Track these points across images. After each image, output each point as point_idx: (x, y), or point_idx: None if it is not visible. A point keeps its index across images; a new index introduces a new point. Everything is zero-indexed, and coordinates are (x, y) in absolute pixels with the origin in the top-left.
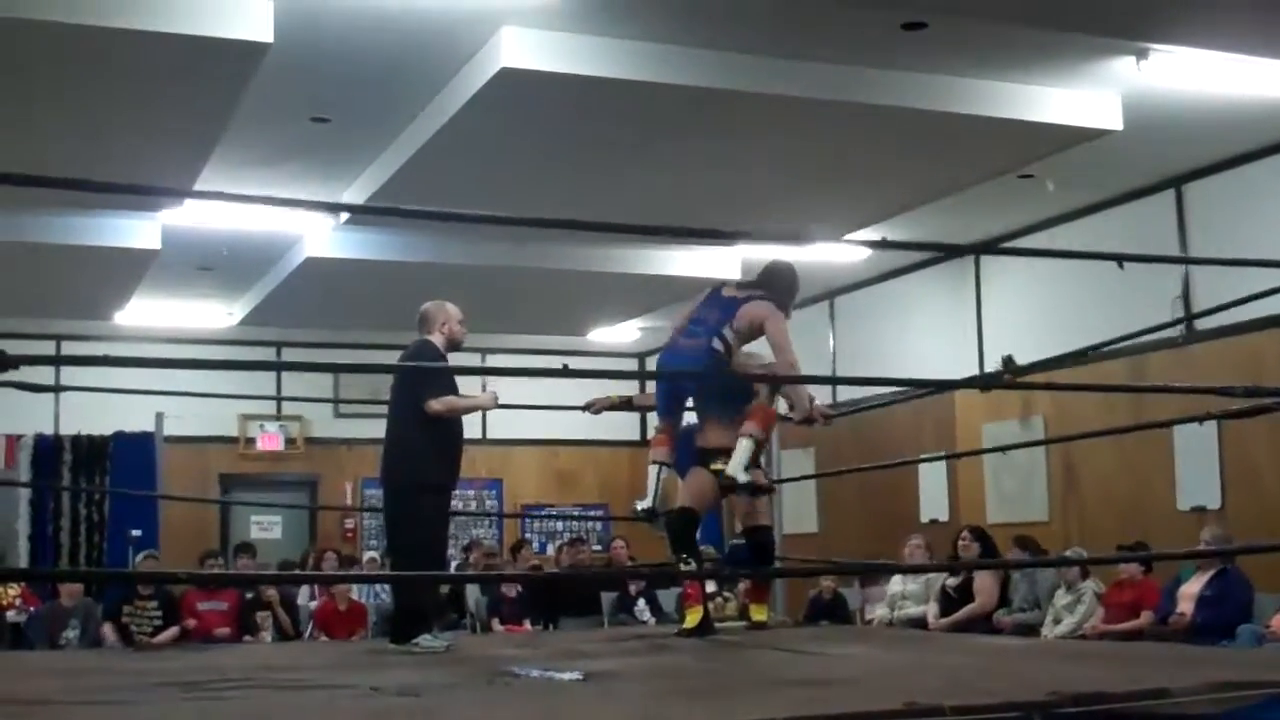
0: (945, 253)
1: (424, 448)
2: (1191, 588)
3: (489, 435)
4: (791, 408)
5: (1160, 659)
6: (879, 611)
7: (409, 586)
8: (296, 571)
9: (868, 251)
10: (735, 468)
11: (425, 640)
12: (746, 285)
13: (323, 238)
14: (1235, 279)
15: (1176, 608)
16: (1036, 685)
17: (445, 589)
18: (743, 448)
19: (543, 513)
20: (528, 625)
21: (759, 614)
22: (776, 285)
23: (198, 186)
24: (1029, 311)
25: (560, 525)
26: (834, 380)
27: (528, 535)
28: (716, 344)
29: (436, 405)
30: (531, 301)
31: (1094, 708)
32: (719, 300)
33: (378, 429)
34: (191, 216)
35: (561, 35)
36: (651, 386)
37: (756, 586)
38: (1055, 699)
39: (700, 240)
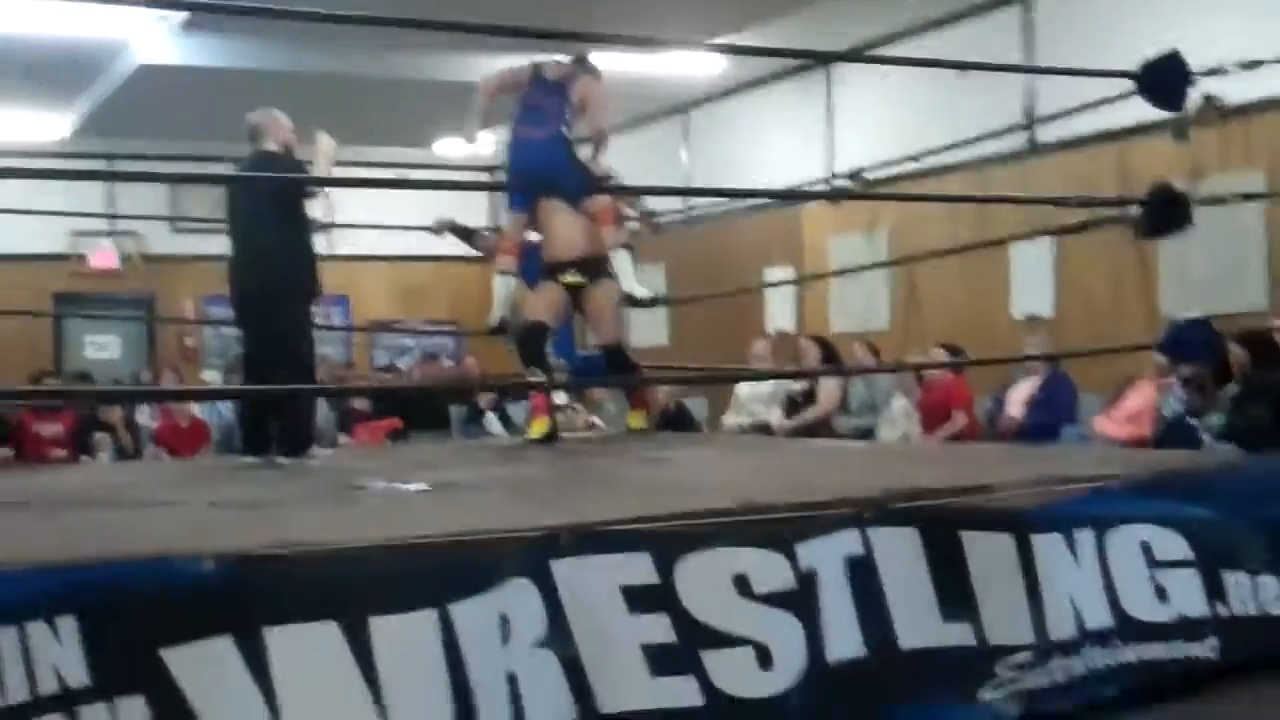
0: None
1: (300, 255)
2: (1021, 392)
3: (334, 251)
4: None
5: (988, 458)
6: (730, 418)
7: (298, 399)
8: (180, 387)
9: (723, 64)
10: (631, 284)
11: (318, 452)
12: (567, 65)
13: (158, 45)
14: (1077, 95)
15: (1007, 411)
16: (869, 484)
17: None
18: (625, 260)
19: (393, 329)
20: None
21: (636, 421)
22: (590, 62)
23: None
24: (879, 125)
25: (410, 342)
26: (684, 192)
27: (376, 351)
28: (564, 130)
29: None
30: (375, 112)
31: (922, 503)
32: (547, 85)
33: (218, 245)
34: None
35: None
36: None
37: (632, 396)
38: (886, 496)
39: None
